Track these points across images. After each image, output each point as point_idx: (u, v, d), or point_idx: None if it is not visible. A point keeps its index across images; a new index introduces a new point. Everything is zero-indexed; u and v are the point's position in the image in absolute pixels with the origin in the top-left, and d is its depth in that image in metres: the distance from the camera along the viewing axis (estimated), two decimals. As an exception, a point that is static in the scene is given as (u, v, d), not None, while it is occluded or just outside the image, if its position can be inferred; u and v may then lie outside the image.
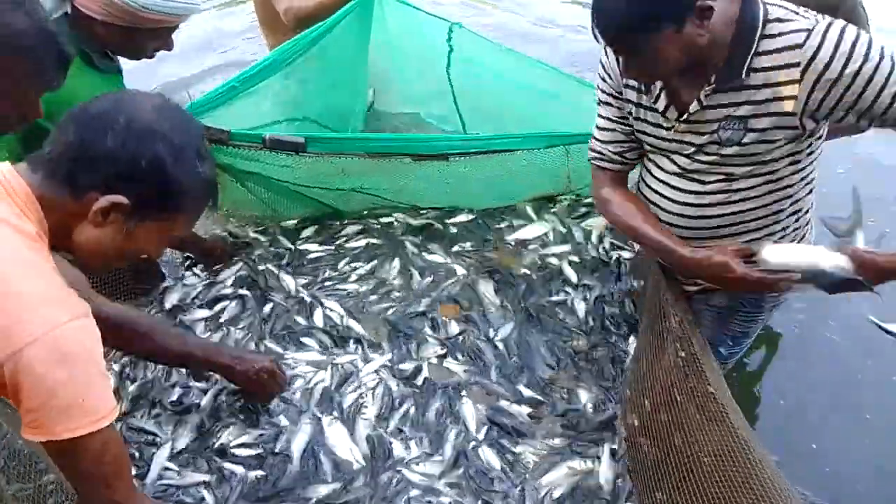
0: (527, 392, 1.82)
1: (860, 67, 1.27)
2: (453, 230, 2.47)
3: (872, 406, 2.38)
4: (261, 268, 2.29)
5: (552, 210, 2.52)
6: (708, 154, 1.47)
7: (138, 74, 2.18)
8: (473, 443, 1.67)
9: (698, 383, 1.43)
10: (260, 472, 1.61)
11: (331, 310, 2.10)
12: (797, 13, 1.34)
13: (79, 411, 1.00)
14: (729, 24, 1.33)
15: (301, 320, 2.07)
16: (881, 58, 1.28)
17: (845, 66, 1.27)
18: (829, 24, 1.30)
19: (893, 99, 1.29)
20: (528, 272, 2.24)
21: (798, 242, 1.60)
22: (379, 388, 1.81)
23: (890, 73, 1.28)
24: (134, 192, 1.05)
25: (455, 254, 2.35)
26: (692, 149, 1.50)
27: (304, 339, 2.00)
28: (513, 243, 2.39)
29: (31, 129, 1.49)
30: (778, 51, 1.32)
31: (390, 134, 2.85)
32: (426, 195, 2.54)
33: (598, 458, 1.64)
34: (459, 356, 1.93)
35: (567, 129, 2.35)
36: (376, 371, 1.87)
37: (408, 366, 1.89)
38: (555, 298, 2.12)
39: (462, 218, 2.50)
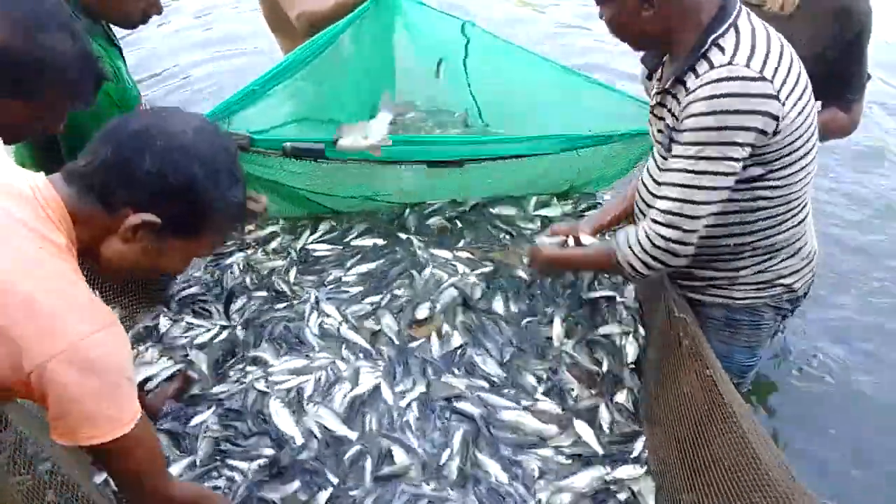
0: (529, 401, 1.85)
1: (694, 114, 1.36)
2: (460, 224, 2.52)
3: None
4: (270, 265, 2.36)
5: (559, 207, 2.58)
6: (663, 153, 1.54)
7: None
8: (479, 455, 1.69)
9: (713, 395, 1.49)
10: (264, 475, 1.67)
11: (328, 315, 2.12)
12: (737, 47, 1.35)
13: (101, 419, 1.03)
14: (698, 24, 1.39)
15: (301, 325, 2.10)
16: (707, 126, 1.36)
17: (688, 106, 1.37)
18: (711, 81, 1.33)
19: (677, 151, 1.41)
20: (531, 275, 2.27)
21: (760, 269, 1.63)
22: (377, 398, 1.85)
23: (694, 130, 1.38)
24: (166, 211, 1.06)
25: (461, 251, 2.38)
26: (658, 144, 1.59)
27: (301, 347, 2.03)
28: (521, 242, 2.42)
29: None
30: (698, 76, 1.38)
31: (406, 136, 2.87)
32: (438, 195, 2.60)
33: (613, 465, 1.67)
34: (456, 370, 1.94)
35: (578, 124, 2.43)
36: (374, 381, 1.89)
37: (405, 377, 1.91)
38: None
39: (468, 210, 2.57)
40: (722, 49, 1.35)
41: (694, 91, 1.36)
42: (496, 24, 3.20)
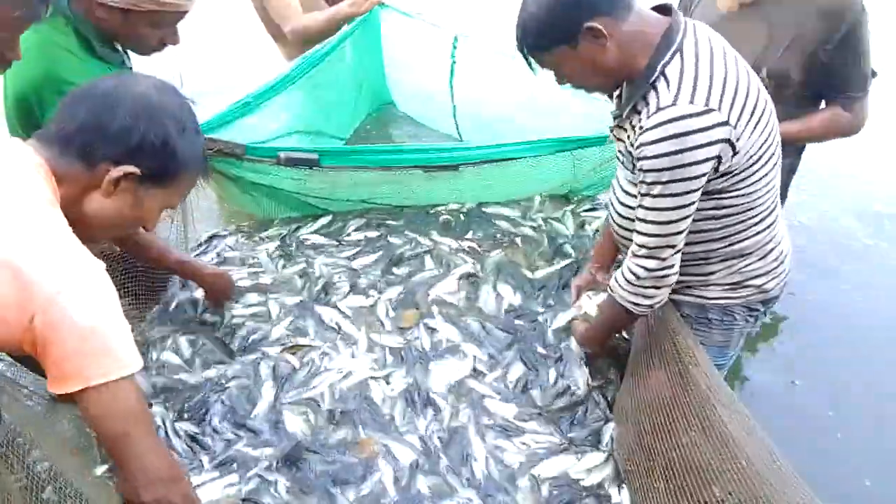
0: (514, 391, 1.86)
1: (649, 157, 1.37)
2: (463, 218, 2.51)
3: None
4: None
5: (561, 209, 2.57)
6: (628, 171, 1.57)
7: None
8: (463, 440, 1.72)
9: (687, 383, 1.51)
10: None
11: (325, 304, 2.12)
12: (681, 81, 1.34)
13: (108, 356, 1.05)
14: (646, 48, 1.39)
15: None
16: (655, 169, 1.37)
17: (641, 148, 1.37)
18: (659, 124, 1.33)
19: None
20: (532, 272, 2.27)
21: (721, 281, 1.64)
22: (368, 385, 1.86)
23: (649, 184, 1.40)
24: (143, 163, 1.14)
25: (466, 241, 2.37)
26: (620, 161, 1.60)
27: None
28: (519, 241, 2.41)
29: (26, 110, 1.58)
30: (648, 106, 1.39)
31: (400, 146, 2.90)
32: (435, 199, 2.58)
33: (588, 453, 1.69)
34: (447, 356, 1.95)
35: (572, 134, 2.40)
36: (368, 369, 1.91)
37: (395, 365, 1.92)
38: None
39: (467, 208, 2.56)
40: (667, 82, 1.35)
41: (644, 132, 1.37)
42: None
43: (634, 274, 1.52)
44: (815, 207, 3.45)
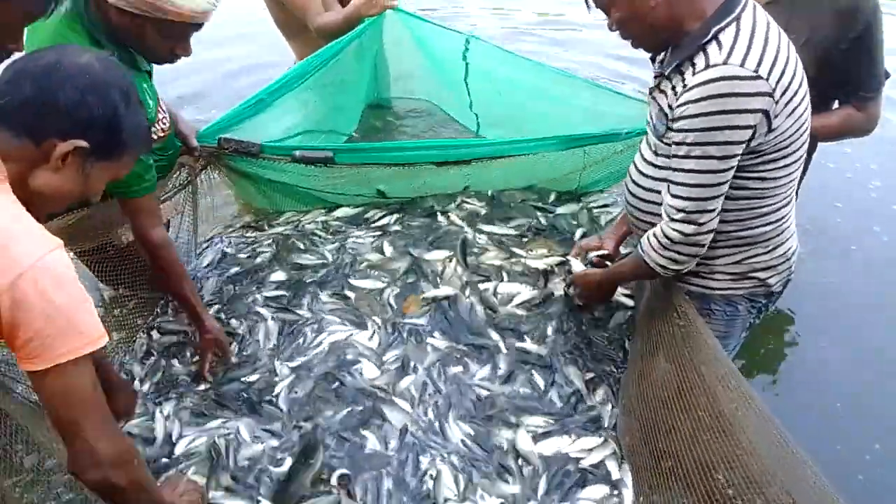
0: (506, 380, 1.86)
1: (693, 115, 1.36)
2: (479, 208, 2.50)
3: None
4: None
5: (572, 204, 2.57)
6: (656, 137, 1.56)
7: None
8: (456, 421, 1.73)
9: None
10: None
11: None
12: (735, 44, 1.34)
13: (74, 332, 1.05)
14: (698, 13, 1.39)
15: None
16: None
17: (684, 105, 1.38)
18: (707, 81, 1.33)
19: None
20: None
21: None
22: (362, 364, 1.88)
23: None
24: (91, 137, 1.11)
25: (510, 228, 2.39)
26: (651, 127, 1.60)
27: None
28: (531, 235, 2.40)
29: None
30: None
31: (413, 142, 2.90)
32: (447, 188, 2.59)
33: (586, 436, 1.69)
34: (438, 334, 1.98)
35: (582, 129, 2.43)
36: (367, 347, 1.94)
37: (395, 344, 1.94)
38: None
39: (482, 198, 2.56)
40: (720, 45, 1.34)
41: (689, 90, 1.36)
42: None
43: (669, 238, 1.51)
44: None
